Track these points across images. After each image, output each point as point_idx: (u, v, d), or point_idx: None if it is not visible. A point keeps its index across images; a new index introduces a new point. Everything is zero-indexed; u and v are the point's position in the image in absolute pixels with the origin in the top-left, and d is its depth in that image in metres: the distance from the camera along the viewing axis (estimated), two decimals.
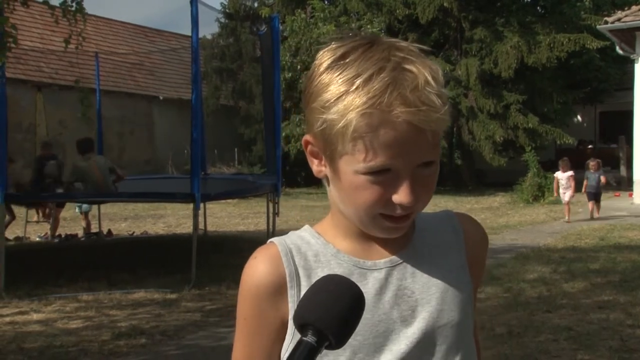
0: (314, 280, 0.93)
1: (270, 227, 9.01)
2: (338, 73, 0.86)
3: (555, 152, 23.36)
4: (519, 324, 4.85)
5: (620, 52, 15.93)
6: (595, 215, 12.43)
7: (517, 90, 19.95)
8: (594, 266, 7.17)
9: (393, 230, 0.92)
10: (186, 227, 11.48)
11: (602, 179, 12.43)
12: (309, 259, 0.96)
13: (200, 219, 9.04)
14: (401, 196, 0.87)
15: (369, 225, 0.92)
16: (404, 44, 0.90)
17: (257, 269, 0.96)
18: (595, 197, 12.52)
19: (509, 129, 19.64)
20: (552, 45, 18.87)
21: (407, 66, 0.85)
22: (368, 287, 0.93)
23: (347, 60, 0.87)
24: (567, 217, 11.92)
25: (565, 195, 12.07)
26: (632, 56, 15.68)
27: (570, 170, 12.28)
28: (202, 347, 4.58)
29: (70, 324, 5.19)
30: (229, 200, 15.49)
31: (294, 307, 0.93)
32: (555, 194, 12.86)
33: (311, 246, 0.97)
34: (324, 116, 0.87)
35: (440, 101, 0.85)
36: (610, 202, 15.87)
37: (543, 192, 16.07)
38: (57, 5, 6.74)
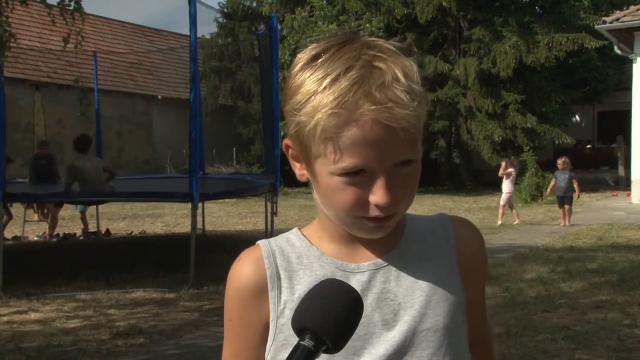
0: (295, 282, 0.94)
1: (269, 226, 9.01)
2: (309, 74, 0.86)
3: (553, 151, 23.39)
4: (517, 323, 4.86)
5: (619, 52, 15.95)
6: (565, 223, 11.11)
7: (515, 89, 19.96)
8: (592, 266, 7.18)
9: (376, 230, 0.90)
10: (184, 227, 11.48)
11: (575, 183, 11.10)
12: (291, 261, 0.96)
13: (199, 218, 9.04)
14: (377, 197, 0.85)
15: (351, 226, 0.91)
16: (379, 41, 0.88)
17: (241, 271, 0.97)
18: (564, 201, 11.18)
19: (507, 129, 19.66)
20: (550, 44, 18.89)
21: (377, 64, 0.84)
22: None
23: (319, 61, 0.86)
24: (499, 221, 11.64)
25: (504, 197, 11.57)
26: (630, 56, 15.70)
27: (510, 169, 11.71)
28: (200, 346, 4.57)
29: (68, 323, 5.18)
30: (227, 200, 15.50)
31: (275, 309, 0.94)
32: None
33: (295, 248, 0.97)
34: (296, 118, 0.86)
35: (408, 97, 0.82)
36: (609, 202, 15.89)
37: (541, 191, 16.08)
38: (55, 4, 6.73)
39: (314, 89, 0.84)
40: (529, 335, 4.55)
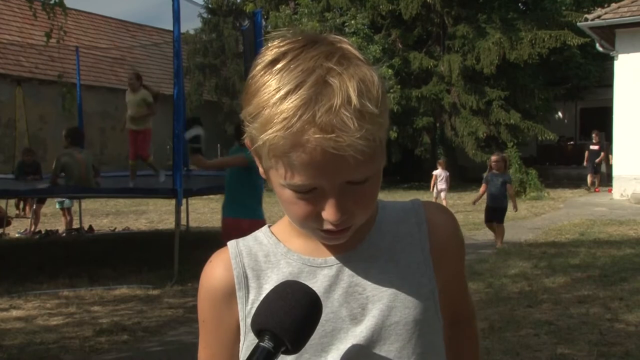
0: (263, 281, 0.94)
1: None
2: (262, 84, 0.83)
3: (537, 148, 23.58)
4: (500, 318, 4.89)
5: (600, 49, 16.09)
6: (497, 244, 8.35)
7: (499, 86, 20.09)
8: (575, 261, 7.25)
9: (332, 240, 0.90)
10: (168, 223, 11.43)
11: (509, 189, 8.43)
12: (259, 260, 0.96)
13: (183, 214, 9.00)
14: (328, 214, 0.84)
15: (309, 233, 0.91)
16: (342, 46, 0.85)
17: (211, 273, 0.98)
18: (495, 213, 8.33)
19: (491, 125, 19.78)
20: (533, 41, 19.02)
21: (331, 79, 0.80)
22: (317, 285, 0.91)
23: (275, 68, 0.82)
24: None
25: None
26: (611, 53, 15.83)
27: (440, 170, 11.75)
28: (184, 343, 4.55)
29: (50, 320, 5.14)
30: (211, 196, 15.43)
31: (243, 309, 0.94)
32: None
33: (263, 247, 0.97)
34: (249, 129, 0.85)
35: (357, 124, 0.78)
36: (590, 198, 16.05)
37: (525, 188, 16.23)
38: None
39: (264, 102, 0.81)
40: (512, 330, 4.58)
